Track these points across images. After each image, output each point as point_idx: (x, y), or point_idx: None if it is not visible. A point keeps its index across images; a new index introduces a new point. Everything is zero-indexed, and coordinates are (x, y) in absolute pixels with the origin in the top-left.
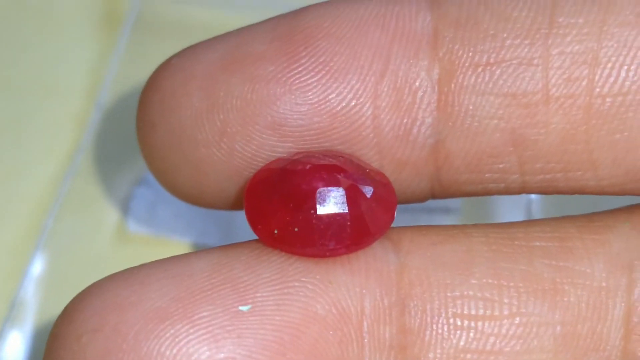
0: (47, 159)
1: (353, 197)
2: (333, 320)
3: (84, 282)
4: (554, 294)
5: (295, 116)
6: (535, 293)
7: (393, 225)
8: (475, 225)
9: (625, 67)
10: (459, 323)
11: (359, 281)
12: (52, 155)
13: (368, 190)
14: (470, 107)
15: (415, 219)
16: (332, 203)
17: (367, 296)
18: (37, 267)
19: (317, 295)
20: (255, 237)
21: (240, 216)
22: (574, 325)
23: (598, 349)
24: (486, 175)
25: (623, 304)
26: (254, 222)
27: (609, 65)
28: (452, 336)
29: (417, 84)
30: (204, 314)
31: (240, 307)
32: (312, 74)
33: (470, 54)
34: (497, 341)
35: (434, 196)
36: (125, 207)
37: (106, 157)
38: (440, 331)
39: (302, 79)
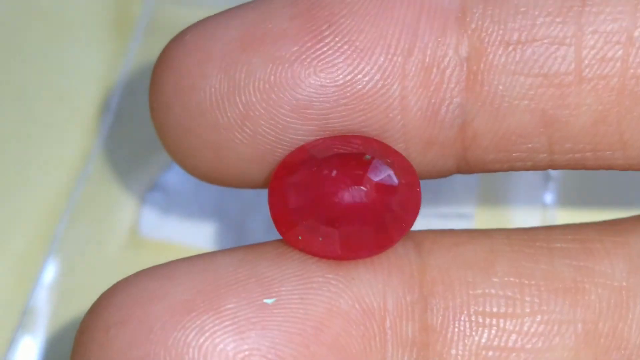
0: (58, 165)
1: (379, 208)
2: (356, 316)
3: (96, 288)
4: (574, 292)
5: (321, 98)
6: (557, 292)
7: (413, 229)
8: (496, 229)
9: None
10: (480, 320)
11: (382, 278)
12: (63, 161)
13: (394, 200)
14: (500, 88)
15: (429, 224)
16: (358, 216)
17: (390, 293)
18: (50, 273)
19: (341, 291)
20: (270, 238)
21: (253, 220)
22: (595, 323)
23: (619, 348)
24: (514, 154)
25: None
26: (279, 225)
27: None
28: (474, 333)
29: (445, 62)
30: (230, 306)
31: (265, 300)
32: (338, 53)
33: (501, 31)
34: (519, 338)
35: (458, 172)
36: (137, 213)
37: (118, 163)
38: (462, 328)
39: (328, 59)
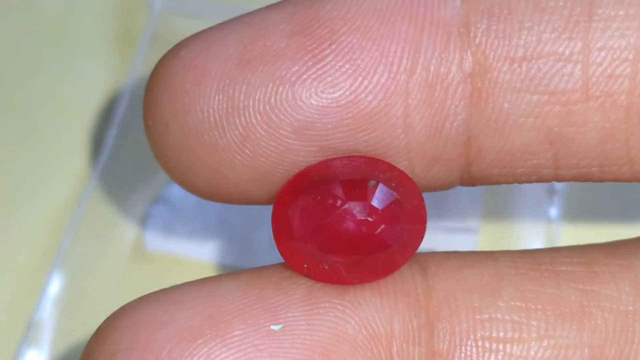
0: (63, 178)
1: (386, 239)
2: (363, 341)
3: (101, 301)
4: (581, 316)
5: (323, 120)
6: (563, 316)
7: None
8: (501, 252)
9: None
10: (487, 345)
11: (388, 303)
12: (68, 174)
13: (399, 228)
14: (505, 105)
15: (433, 238)
16: (364, 247)
17: (396, 318)
18: (54, 287)
19: (347, 316)
20: (274, 252)
21: (258, 234)
22: (601, 348)
23: None
24: (519, 170)
25: None
26: (283, 252)
27: None
28: (480, 358)
29: (449, 79)
30: (237, 332)
31: (272, 327)
32: (339, 73)
33: (506, 47)
34: None
35: (461, 184)
36: (142, 226)
37: (123, 176)
38: (468, 353)
39: (329, 79)
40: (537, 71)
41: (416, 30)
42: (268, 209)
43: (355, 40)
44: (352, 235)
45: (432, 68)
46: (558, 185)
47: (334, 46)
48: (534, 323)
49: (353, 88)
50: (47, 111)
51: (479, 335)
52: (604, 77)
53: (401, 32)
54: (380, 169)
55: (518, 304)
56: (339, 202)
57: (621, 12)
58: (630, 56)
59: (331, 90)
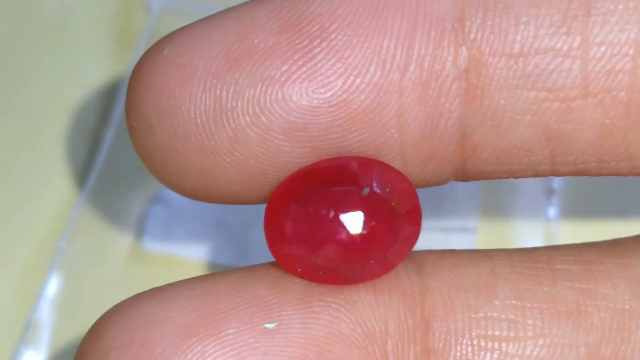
0: (60, 179)
1: (379, 248)
2: (357, 340)
3: (99, 301)
4: (577, 315)
5: (314, 120)
6: (559, 315)
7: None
8: (497, 250)
9: None
10: (483, 344)
11: (383, 301)
12: (66, 175)
13: (394, 236)
14: (502, 102)
15: (431, 238)
16: (359, 257)
17: (391, 316)
18: (52, 287)
19: (342, 315)
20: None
21: (255, 234)
22: (597, 347)
23: None
24: (515, 166)
25: None
26: (277, 257)
27: None
28: (476, 357)
29: (443, 75)
30: (231, 330)
31: (266, 325)
32: (331, 72)
33: (501, 42)
34: None
35: (456, 180)
36: (140, 227)
37: (120, 176)
38: (464, 352)
39: (320, 78)
40: (534, 67)
41: (409, 26)
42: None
43: (346, 38)
44: (345, 246)
45: (426, 65)
46: (556, 185)
47: (324, 44)
48: (529, 322)
49: (345, 87)
50: (44, 112)
51: (474, 333)
52: (604, 73)
53: (393, 28)
54: (374, 171)
55: (514, 302)
56: (331, 214)
57: (620, 6)
58: (631, 51)
59: (322, 90)
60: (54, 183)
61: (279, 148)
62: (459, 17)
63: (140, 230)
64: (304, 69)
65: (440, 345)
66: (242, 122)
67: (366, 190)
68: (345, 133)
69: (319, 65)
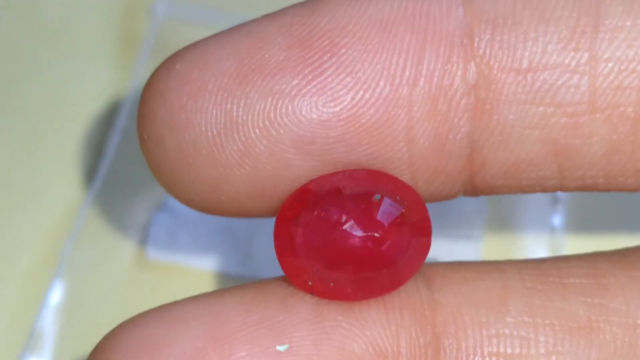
0: (64, 185)
1: (392, 254)
2: None
3: (103, 309)
4: (589, 331)
5: (324, 134)
6: (571, 331)
7: None
8: (508, 262)
9: None
10: None
11: (394, 319)
12: (69, 181)
13: (405, 242)
14: (510, 117)
15: (436, 246)
16: (371, 263)
17: (403, 334)
18: (56, 294)
19: (354, 334)
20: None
21: (261, 242)
22: None
23: None
24: (523, 181)
25: None
26: (287, 271)
27: None
28: None
29: (452, 90)
30: (242, 353)
31: (278, 347)
32: (340, 86)
33: (510, 58)
34: None
35: (464, 195)
36: (144, 234)
37: (125, 183)
38: None
39: (329, 92)
40: (542, 83)
41: (418, 42)
42: (271, 217)
43: (356, 52)
44: (358, 251)
45: (435, 80)
46: (562, 194)
47: (334, 59)
48: (541, 338)
49: (355, 101)
50: (48, 117)
51: (486, 351)
52: (611, 89)
53: (403, 44)
54: (383, 182)
55: (526, 319)
56: (343, 218)
57: (628, 23)
58: (638, 67)
59: (332, 104)
60: (58, 189)
61: (288, 162)
62: (468, 33)
63: (144, 238)
64: (314, 83)
65: None
66: (252, 136)
67: (377, 197)
68: (355, 147)
69: (329, 79)
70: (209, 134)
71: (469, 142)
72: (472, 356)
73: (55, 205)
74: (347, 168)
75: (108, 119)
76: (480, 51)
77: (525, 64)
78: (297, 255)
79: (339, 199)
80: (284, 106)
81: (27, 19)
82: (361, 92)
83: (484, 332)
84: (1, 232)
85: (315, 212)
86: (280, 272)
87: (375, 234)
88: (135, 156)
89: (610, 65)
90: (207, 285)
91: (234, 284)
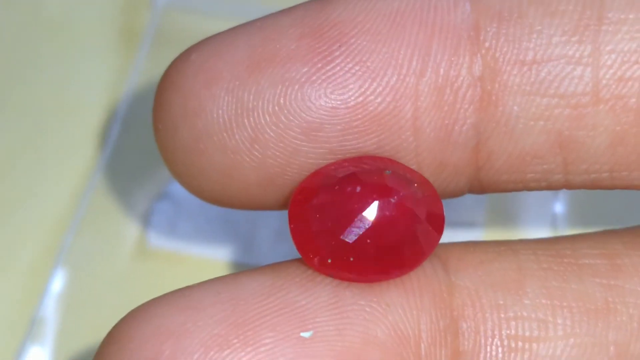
0: (66, 175)
1: (408, 221)
2: (392, 345)
3: (105, 298)
4: (606, 313)
5: (332, 121)
6: (588, 313)
7: None
8: (521, 242)
9: None
10: (513, 345)
11: (415, 303)
12: (71, 171)
13: (421, 212)
14: (515, 108)
15: None
16: (388, 230)
17: (423, 319)
18: (58, 283)
19: (376, 319)
20: (278, 248)
21: (262, 230)
22: (627, 345)
23: None
24: (528, 175)
25: None
26: (304, 251)
27: None
28: (506, 358)
29: (458, 82)
30: (267, 341)
31: (302, 334)
32: (349, 74)
33: (515, 50)
34: None
35: (470, 192)
36: (145, 223)
37: (126, 173)
38: (494, 353)
39: (338, 80)
40: (547, 74)
41: (426, 34)
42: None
43: (364, 43)
44: (377, 218)
45: (441, 71)
46: None
47: (343, 48)
48: (559, 321)
49: (362, 90)
50: (50, 109)
51: (504, 334)
52: (614, 80)
53: (411, 36)
54: (393, 165)
55: (544, 301)
56: (358, 189)
57: (631, 16)
58: None
59: (340, 92)
60: (60, 179)
61: (297, 148)
62: (475, 27)
63: (146, 226)
64: (323, 71)
65: (470, 346)
66: (262, 121)
67: (388, 172)
68: (362, 134)
69: (338, 68)
70: (221, 120)
71: (474, 133)
72: (490, 339)
73: (57, 194)
74: (354, 156)
75: (109, 109)
76: (487, 44)
77: (530, 56)
78: (314, 235)
79: (351, 174)
80: (293, 92)
81: (27, 13)
82: (369, 81)
83: (502, 315)
84: (4, 221)
85: (330, 188)
86: (283, 258)
87: (391, 199)
88: (137, 146)
89: (613, 57)
90: (208, 273)
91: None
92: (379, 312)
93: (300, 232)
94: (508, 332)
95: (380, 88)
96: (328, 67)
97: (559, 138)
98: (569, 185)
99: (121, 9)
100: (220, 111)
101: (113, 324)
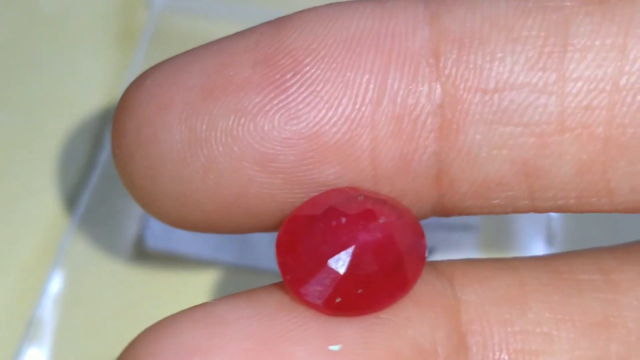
0: (63, 175)
1: (395, 259)
2: (414, 359)
3: (102, 299)
4: (607, 327)
5: (286, 152)
6: (591, 327)
7: (440, 258)
8: (518, 259)
9: None
10: (520, 359)
11: (429, 318)
12: (68, 171)
13: (406, 235)
14: (477, 137)
15: (433, 236)
16: (387, 250)
17: (438, 334)
18: (55, 284)
19: (399, 333)
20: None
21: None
22: (627, 358)
23: None
24: (494, 201)
25: None
26: (295, 292)
27: (631, 93)
28: None
29: (417, 110)
30: (299, 355)
31: (331, 347)
32: (302, 105)
33: (477, 78)
34: None
35: (434, 215)
36: (142, 224)
37: None
38: None
39: (292, 111)
40: (509, 102)
41: (383, 61)
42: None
43: (319, 71)
44: (370, 243)
45: (399, 99)
46: None
47: (297, 77)
48: (563, 335)
49: (317, 120)
50: (47, 108)
51: (511, 348)
52: (580, 109)
53: (367, 63)
54: (362, 190)
55: (547, 315)
56: (343, 220)
57: (597, 42)
58: (607, 87)
59: (294, 122)
60: (57, 179)
61: (251, 178)
62: (434, 53)
63: (143, 228)
64: (276, 101)
65: None
66: (216, 152)
67: (361, 197)
68: (318, 165)
69: (291, 97)
70: (174, 149)
71: (435, 161)
72: (498, 353)
73: (55, 195)
74: (311, 187)
75: (107, 110)
76: (446, 71)
77: (492, 84)
78: (316, 280)
79: (330, 209)
80: (247, 123)
81: (25, 12)
82: (323, 111)
83: (508, 329)
84: (1, 221)
85: (314, 229)
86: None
87: (380, 220)
88: None
89: (579, 85)
90: (205, 275)
91: (232, 274)
92: (400, 326)
93: (300, 282)
94: (515, 346)
95: (335, 118)
96: (281, 97)
97: (524, 166)
98: (536, 210)
99: (119, 9)
100: (174, 139)
101: (111, 325)
